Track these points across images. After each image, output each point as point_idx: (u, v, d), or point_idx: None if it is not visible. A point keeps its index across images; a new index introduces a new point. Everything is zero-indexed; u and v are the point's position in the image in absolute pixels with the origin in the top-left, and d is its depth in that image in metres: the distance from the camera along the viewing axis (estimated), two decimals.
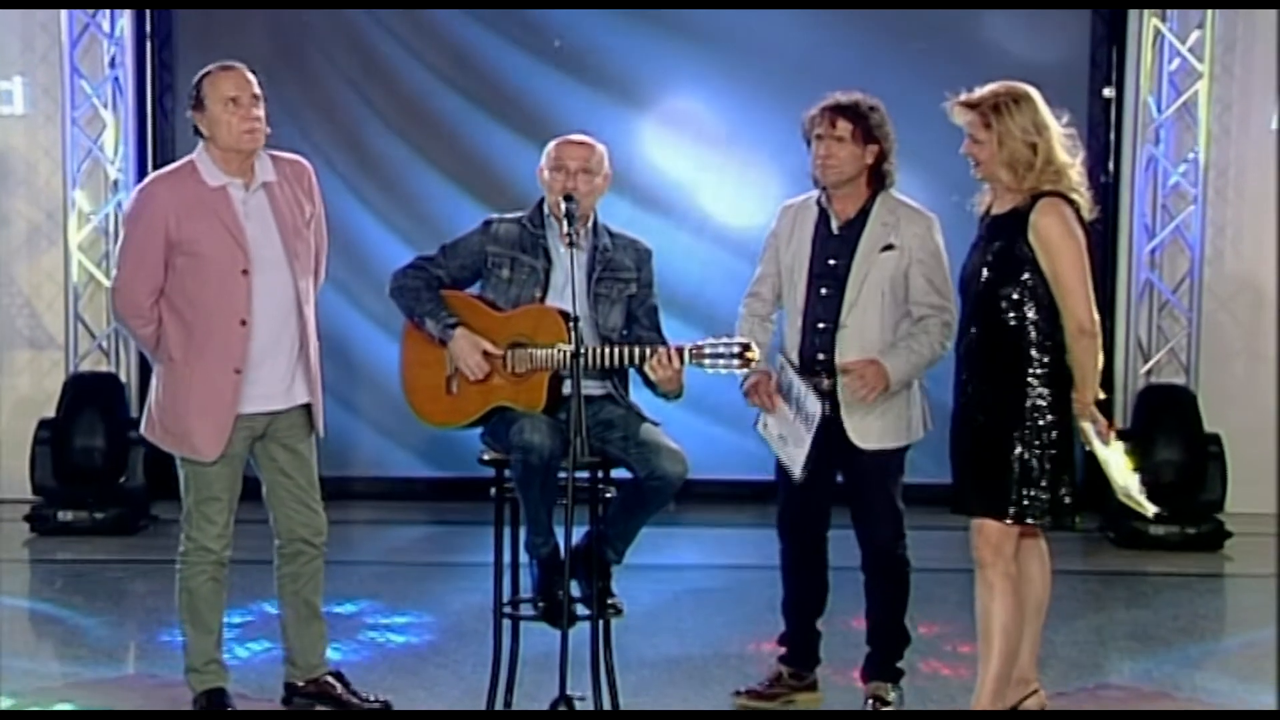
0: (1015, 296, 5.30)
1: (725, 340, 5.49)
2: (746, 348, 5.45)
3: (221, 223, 5.43)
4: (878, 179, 5.77)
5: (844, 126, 5.70)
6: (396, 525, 9.08)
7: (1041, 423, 5.29)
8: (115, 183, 9.16)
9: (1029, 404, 5.29)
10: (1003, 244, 5.33)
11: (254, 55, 9.24)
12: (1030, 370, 5.30)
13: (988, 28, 9.10)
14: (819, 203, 5.84)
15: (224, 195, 5.46)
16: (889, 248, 5.72)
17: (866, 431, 5.74)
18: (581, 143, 5.77)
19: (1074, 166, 5.34)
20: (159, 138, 9.36)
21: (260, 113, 5.49)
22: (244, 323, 5.44)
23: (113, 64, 9.14)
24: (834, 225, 5.79)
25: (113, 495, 8.77)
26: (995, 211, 5.42)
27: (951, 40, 9.02)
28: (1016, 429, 5.30)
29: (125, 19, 9.10)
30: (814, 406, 5.64)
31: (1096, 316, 5.32)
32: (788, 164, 7.52)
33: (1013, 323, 5.31)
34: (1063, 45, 9.21)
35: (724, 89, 9.35)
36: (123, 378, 9.15)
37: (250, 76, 5.53)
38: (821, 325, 5.75)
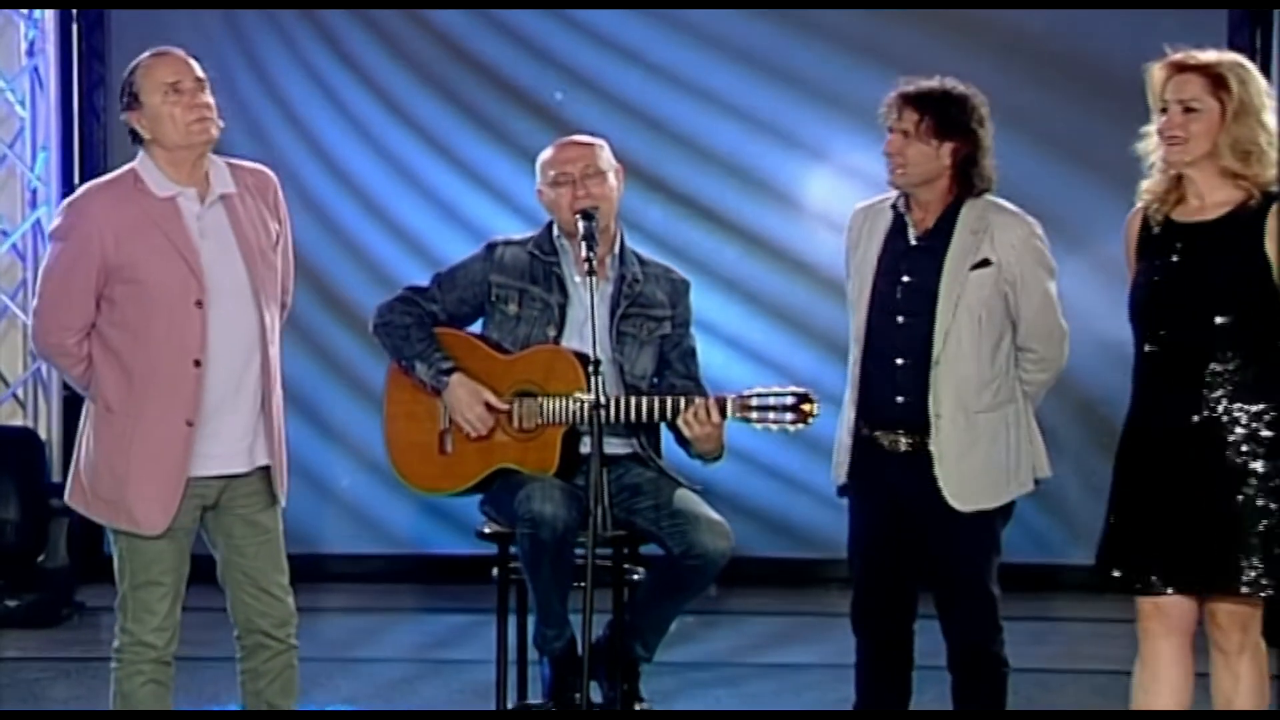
0: (1255, 318, 5.15)
1: (776, 390, 5.57)
2: (804, 399, 5.52)
3: (171, 243, 5.41)
4: (963, 183, 5.72)
5: (910, 117, 5.66)
6: (377, 613, 9.10)
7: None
8: (35, 195, 9.26)
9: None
10: (1236, 256, 5.16)
11: (204, 42, 9.48)
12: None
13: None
14: (895, 206, 5.79)
15: (174, 209, 5.45)
16: (984, 263, 5.65)
17: (966, 487, 5.64)
18: (578, 142, 5.87)
19: None
20: (88, 141, 9.42)
21: (208, 99, 5.48)
22: (198, 364, 5.41)
23: (31, 51, 9.24)
24: (911, 235, 5.75)
25: (29, 578, 8.83)
26: (1189, 219, 5.25)
27: (1054, 19, 9.10)
28: (1255, 481, 5.15)
29: None
30: None
31: None
32: (858, 164, 7.62)
33: (1260, 351, 5.18)
34: (1192, 29, 9.17)
35: (784, 72, 9.37)
36: (42, 434, 9.22)
37: (190, 60, 5.52)
38: (901, 361, 5.66)
